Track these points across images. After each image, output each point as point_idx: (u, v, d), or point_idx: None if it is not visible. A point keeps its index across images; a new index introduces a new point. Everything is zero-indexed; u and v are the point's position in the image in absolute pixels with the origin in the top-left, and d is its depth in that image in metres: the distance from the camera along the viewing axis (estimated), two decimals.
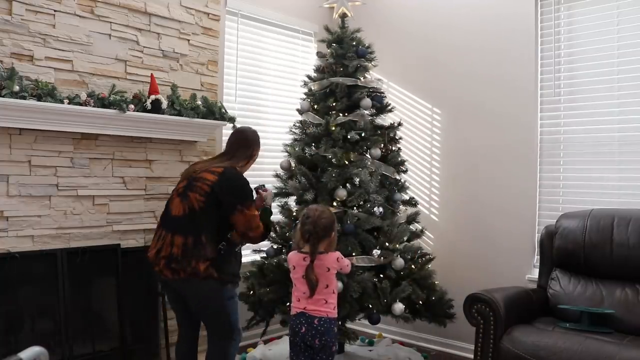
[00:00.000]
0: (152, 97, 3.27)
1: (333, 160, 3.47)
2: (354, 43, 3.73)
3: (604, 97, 3.52)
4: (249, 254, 3.94)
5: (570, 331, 2.89)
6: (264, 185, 3.08)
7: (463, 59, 4.15)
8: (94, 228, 3.24)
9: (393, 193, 3.61)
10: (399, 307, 3.24)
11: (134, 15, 3.40)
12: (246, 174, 2.91)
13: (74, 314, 3.05)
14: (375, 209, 3.43)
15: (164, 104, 3.32)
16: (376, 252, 3.36)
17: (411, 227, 3.67)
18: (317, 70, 3.82)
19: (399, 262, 3.37)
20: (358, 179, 3.45)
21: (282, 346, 4.00)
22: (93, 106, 3.02)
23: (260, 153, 4.31)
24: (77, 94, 2.99)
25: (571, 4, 3.66)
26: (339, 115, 3.56)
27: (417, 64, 4.44)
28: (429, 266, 3.59)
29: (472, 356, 3.20)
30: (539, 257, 3.58)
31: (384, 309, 3.28)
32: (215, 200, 2.63)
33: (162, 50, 3.55)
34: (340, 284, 3.20)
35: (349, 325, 3.45)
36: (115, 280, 3.26)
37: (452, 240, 4.18)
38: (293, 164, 3.63)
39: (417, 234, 3.71)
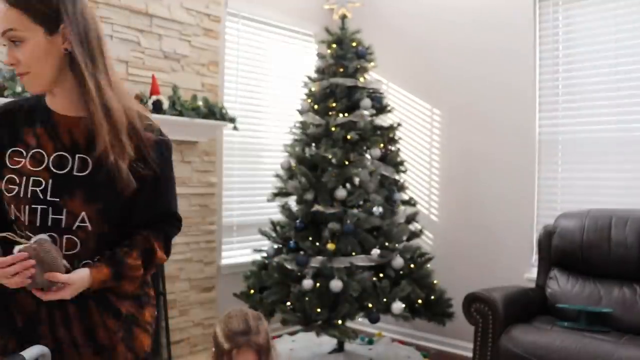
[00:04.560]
0: (153, 97, 3.29)
1: (333, 160, 3.49)
2: (354, 44, 3.75)
3: (602, 97, 3.54)
4: (249, 254, 3.97)
5: (569, 330, 2.91)
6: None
7: (462, 59, 4.17)
8: None
9: (392, 193, 3.63)
10: (398, 306, 3.27)
11: (135, 16, 3.42)
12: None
13: None
14: (375, 208, 3.45)
15: (165, 104, 3.34)
16: (375, 251, 3.39)
17: (410, 226, 3.70)
18: (317, 71, 3.84)
19: (398, 261, 3.39)
20: (358, 179, 3.48)
21: (282, 345, 4.02)
22: None
23: (260, 153, 4.40)
24: None
25: (569, 5, 3.69)
26: (339, 116, 3.59)
27: (416, 64, 4.46)
28: (428, 265, 3.61)
29: (471, 355, 3.22)
30: (537, 256, 3.60)
31: (383, 308, 3.30)
32: None
33: (164, 52, 3.57)
34: (340, 283, 3.23)
35: (348, 324, 3.47)
36: None
37: (451, 240, 4.20)
38: (293, 164, 3.65)
39: (416, 234, 3.74)
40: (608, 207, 3.35)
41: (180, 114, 3.43)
